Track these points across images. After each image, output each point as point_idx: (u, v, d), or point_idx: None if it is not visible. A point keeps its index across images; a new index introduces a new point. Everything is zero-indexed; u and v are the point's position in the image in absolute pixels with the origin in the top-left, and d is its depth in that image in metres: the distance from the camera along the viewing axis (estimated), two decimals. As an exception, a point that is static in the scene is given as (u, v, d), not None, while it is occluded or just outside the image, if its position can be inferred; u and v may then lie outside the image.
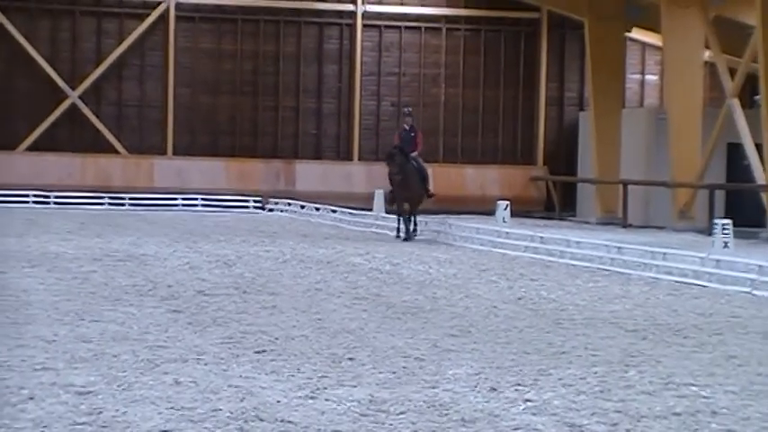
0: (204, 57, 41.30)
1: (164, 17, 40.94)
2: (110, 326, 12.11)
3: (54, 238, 24.40)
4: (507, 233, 25.45)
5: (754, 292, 16.90)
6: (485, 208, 35.20)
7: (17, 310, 13.07)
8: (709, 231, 26.46)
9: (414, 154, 26.67)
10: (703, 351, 11.53)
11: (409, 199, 26.43)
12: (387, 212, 29.56)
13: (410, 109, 29.61)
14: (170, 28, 40.96)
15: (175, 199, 38.29)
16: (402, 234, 26.55)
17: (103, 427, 7.59)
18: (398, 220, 26.99)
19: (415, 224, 26.79)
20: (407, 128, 27.25)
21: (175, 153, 40.93)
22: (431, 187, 27.77)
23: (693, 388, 9.50)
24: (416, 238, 26.47)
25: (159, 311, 13.41)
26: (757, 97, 32.31)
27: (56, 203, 37.25)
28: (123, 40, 40.70)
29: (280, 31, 41.75)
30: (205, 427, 7.65)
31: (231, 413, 8.07)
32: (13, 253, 20.51)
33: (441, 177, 41.14)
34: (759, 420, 8.33)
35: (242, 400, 8.51)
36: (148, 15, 40.81)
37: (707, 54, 35.05)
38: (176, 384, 9.05)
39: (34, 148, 39.82)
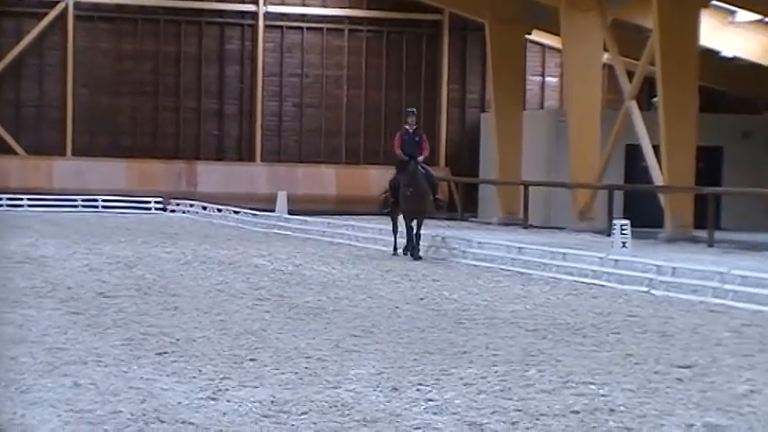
0: (104, 57, 40.93)
1: (62, 16, 40.50)
2: (8, 328, 11.98)
3: (-50, 239, 24.07)
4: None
5: (652, 291, 17.10)
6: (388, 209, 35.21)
7: None
8: (607, 232, 26.79)
9: (420, 158, 22.98)
10: (602, 350, 11.66)
11: (418, 213, 22.81)
12: (384, 213, 24.23)
13: (414, 109, 24.98)
14: (69, 27, 40.53)
15: (75, 200, 37.88)
16: (401, 250, 23.03)
17: (0, 430, 7.51)
18: (395, 233, 23.37)
19: (419, 237, 22.95)
20: (410, 130, 23.38)
21: (75, 154, 40.52)
22: (439, 195, 25.06)
23: (592, 386, 9.60)
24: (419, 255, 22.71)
25: (59, 313, 13.29)
26: (655, 99, 32.74)
27: (-48, 205, 36.69)
28: (21, 39, 40.20)
29: (180, 32, 41.51)
30: (105, 430, 7.60)
31: (132, 415, 8.02)
32: None
33: (344, 178, 41.34)
34: (655, 418, 8.46)
35: (143, 402, 8.46)
36: (47, 14, 40.36)
37: (605, 56, 35.43)
38: (76, 387, 8.98)
39: (-70, 148, 39.19)
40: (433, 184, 23.56)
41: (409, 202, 22.61)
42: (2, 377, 9.26)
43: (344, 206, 38.14)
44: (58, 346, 10.89)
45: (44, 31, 40.49)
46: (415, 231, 22.57)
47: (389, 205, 23.31)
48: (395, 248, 23.23)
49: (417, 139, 23.16)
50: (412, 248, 22.58)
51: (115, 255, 21.43)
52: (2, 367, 9.72)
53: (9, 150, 40.02)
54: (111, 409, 8.17)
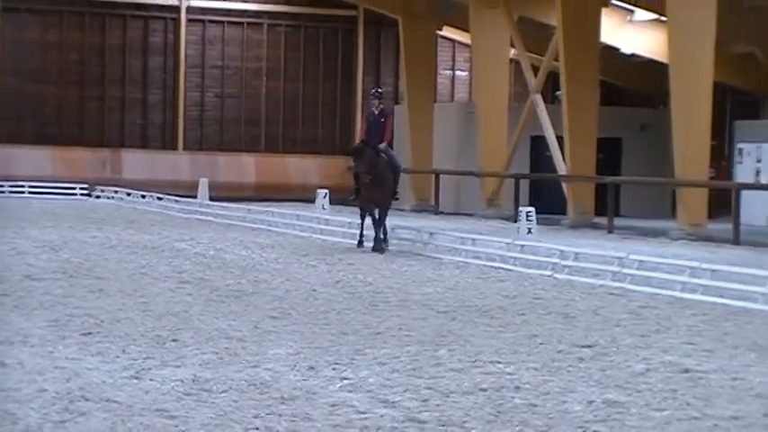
0: (31, 47, 40.40)
1: (-10, 8, 39.87)
2: (-64, 310, 11.81)
3: None
4: (327, 220, 25.51)
5: (556, 275, 17.23)
6: (306, 196, 35.22)
7: None
8: (514, 218, 26.95)
9: (382, 145, 20.65)
10: (508, 330, 11.73)
11: (380, 202, 20.69)
12: (357, 208, 21.79)
13: (380, 90, 22.44)
14: (-4, 18, 39.91)
15: (2, 186, 37.38)
16: (364, 241, 21.07)
17: (-70, 409, 7.40)
18: (362, 225, 21.27)
19: (385, 231, 21.02)
20: (376, 112, 21.05)
21: (2, 141, 39.95)
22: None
23: (499, 365, 9.66)
24: (388, 248, 20.83)
25: (-14, 296, 13.12)
26: (558, 93, 32.99)
27: None
28: (-51, 29, 39.53)
29: (105, 24, 41.10)
30: (31, 407, 7.51)
31: (57, 393, 7.94)
32: None
33: (263, 166, 41.23)
34: (558, 394, 8.52)
35: (68, 381, 8.38)
36: (-26, 6, 39.71)
37: (512, 52, 35.61)
38: (2, 366, 8.87)
39: None
40: (397, 173, 21.21)
41: (369, 191, 20.50)
42: (-70, 357, 9.13)
43: (264, 193, 38.05)
44: (-14, 328, 10.75)
45: (-28, 22, 39.84)
46: (377, 221, 20.65)
47: (354, 194, 21.13)
48: (360, 240, 21.12)
49: (383, 120, 20.90)
50: (374, 239, 20.59)
51: (42, 239, 21.19)
52: (-70, 348, 9.58)
53: (-63, 137, 39.36)
54: (37, 388, 8.09)
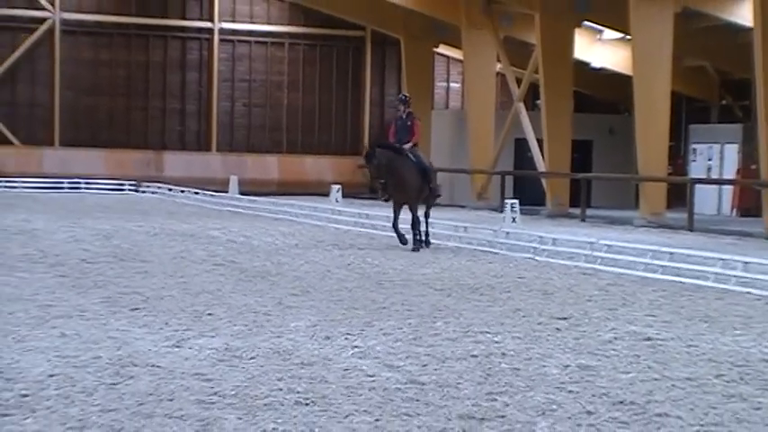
0: (85, 65, 40.42)
1: (51, 31, 39.92)
2: (5, 288, 11.81)
3: (-43, 216, 23.66)
4: (339, 211, 25.49)
5: (536, 258, 17.23)
6: (321, 190, 35.19)
7: (-75, 277, 12.67)
8: (500, 209, 26.92)
9: (408, 145, 18.51)
10: (495, 305, 11.73)
11: (406, 201, 18.48)
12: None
13: (406, 95, 20.08)
14: (56, 40, 39.96)
15: (62, 183, 37.38)
16: (407, 242, 18.38)
17: (0, 372, 7.40)
18: (394, 224, 18.61)
19: (427, 233, 18.77)
20: (403, 116, 19.03)
21: (61, 144, 40.01)
22: (436, 184, 19.60)
23: (488, 335, 9.66)
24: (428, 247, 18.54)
25: (48, 276, 13.12)
26: (538, 101, 32.94)
27: (-42, 187, 36.05)
28: (16, 49, 39.59)
29: (149, 44, 41.09)
30: (88, 372, 7.52)
31: (110, 360, 7.96)
32: None
33: (285, 165, 41.29)
34: (539, 360, 8.53)
35: (119, 349, 8.39)
36: (37, 29, 39.75)
37: (498, 66, 35.56)
38: (63, 336, 8.88)
39: (-61, 140, 38.56)
40: (426, 171, 18.74)
41: (392, 191, 18.43)
42: (1, 329, 9.13)
43: (285, 188, 38.07)
44: (48, 303, 10.76)
45: (35, 43, 39.86)
46: (412, 219, 18.54)
47: (380, 194, 18.79)
48: (400, 240, 18.51)
49: (410, 123, 18.81)
50: (413, 239, 18.43)
51: (95, 228, 21.20)
52: (1, 321, 9.58)
53: (6, 142, 39.45)
54: (92, 355, 8.10)
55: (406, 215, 18.45)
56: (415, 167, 18.45)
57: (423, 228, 18.63)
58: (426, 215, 18.88)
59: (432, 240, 18.80)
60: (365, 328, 9.80)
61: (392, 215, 18.54)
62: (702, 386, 7.72)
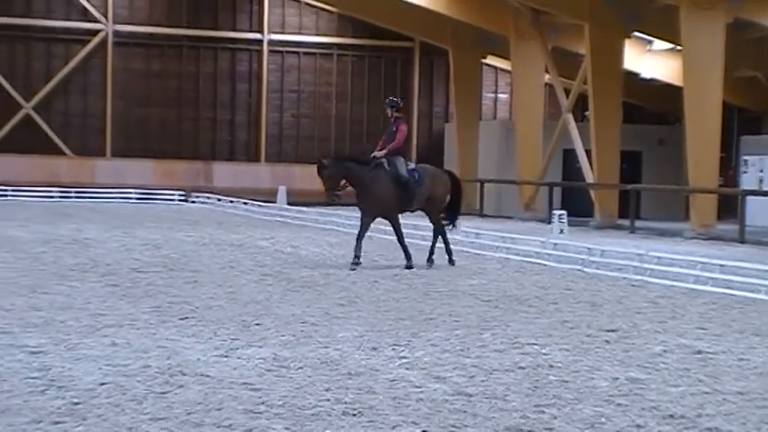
0: (137, 76, 40.81)
1: (103, 42, 40.37)
2: (58, 297, 11.92)
3: (11, 225, 23.91)
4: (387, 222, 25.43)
5: (584, 269, 17.11)
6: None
7: (-21, 285, 12.81)
8: (548, 220, 26.81)
9: (380, 153, 16.60)
10: (543, 317, 11.66)
11: (380, 213, 16.91)
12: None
13: (394, 99, 17.35)
14: (108, 51, 40.40)
15: (113, 193, 37.75)
16: (358, 264, 16.36)
17: (52, 380, 7.47)
18: (357, 241, 16.67)
19: (449, 251, 17.29)
20: (392, 121, 16.95)
21: (113, 155, 40.41)
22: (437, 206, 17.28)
23: (535, 347, 9.60)
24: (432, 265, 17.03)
25: (99, 285, 13.22)
26: (587, 112, 32.79)
27: (13, 197, 36.50)
28: (69, 60, 40.07)
29: (199, 56, 41.42)
30: (137, 380, 7.56)
31: (159, 369, 7.99)
32: (-25, 237, 20.10)
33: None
34: (587, 372, 8.46)
35: (168, 359, 8.42)
36: (90, 41, 40.20)
37: (547, 77, 35.45)
38: (113, 345, 8.93)
39: (-6, 150, 39.12)
40: (403, 184, 16.72)
41: (360, 204, 16.96)
42: (53, 337, 9.22)
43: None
44: (99, 312, 10.84)
45: (88, 55, 40.33)
46: (433, 230, 17.52)
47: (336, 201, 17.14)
48: (354, 255, 16.56)
49: (394, 129, 16.73)
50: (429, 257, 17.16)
51: (146, 237, 21.35)
52: (53, 329, 9.66)
53: (59, 152, 39.92)
54: (142, 364, 8.14)
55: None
56: (387, 177, 16.58)
57: (441, 245, 17.24)
58: (437, 232, 17.40)
59: (455, 259, 17.32)
60: (412, 339, 9.78)
61: (360, 232, 16.76)
62: (754, 400, 7.61)
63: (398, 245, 17.09)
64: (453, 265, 17.09)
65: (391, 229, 17.37)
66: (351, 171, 16.64)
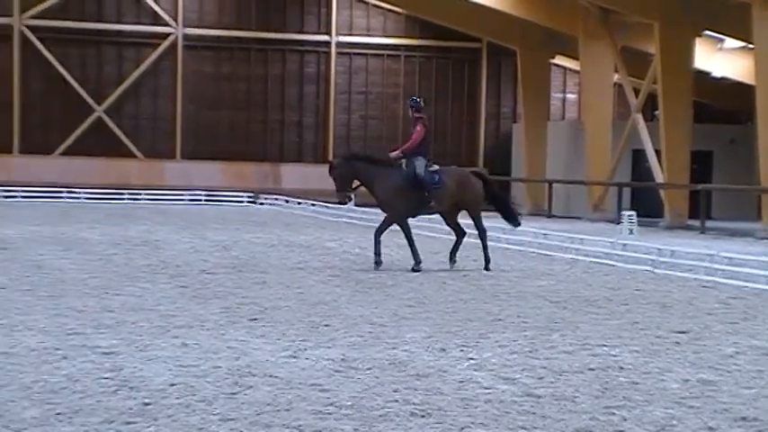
0: (206, 78, 41.18)
1: (173, 46, 40.79)
2: (129, 298, 12.06)
3: (83, 226, 24.25)
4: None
5: (654, 270, 16.95)
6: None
7: (53, 286, 13.00)
8: (617, 221, 26.59)
9: (394, 154, 16.61)
10: (613, 318, 11.56)
11: (395, 214, 16.50)
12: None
13: (415, 98, 17.14)
14: (178, 55, 40.80)
15: (182, 195, 38.12)
16: (380, 263, 16.14)
17: (124, 381, 7.56)
18: (375, 242, 16.36)
19: (487, 259, 16.61)
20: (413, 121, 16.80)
21: (182, 157, 40.81)
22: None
23: (605, 348, 9.52)
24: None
25: (169, 287, 13.35)
26: (656, 112, 32.47)
27: (84, 198, 37.02)
28: (140, 64, 40.54)
29: (268, 58, 41.68)
30: (207, 381, 7.62)
31: (228, 370, 8.05)
32: (49, 239, 20.39)
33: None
34: (657, 374, 8.37)
35: (237, 359, 8.48)
36: (160, 44, 40.64)
37: (616, 77, 35.17)
38: (183, 346, 9.01)
39: (66, 153, 39.68)
40: (419, 182, 16.34)
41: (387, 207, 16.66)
42: (125, 338, 9.32)
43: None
44: (169, 313, 10.94)
45: (158, 58, 40.77)
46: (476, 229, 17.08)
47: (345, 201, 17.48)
48: (374, 253, 16.37)
49: (414, 130, 16.61)
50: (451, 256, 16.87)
51: (215, 239, 21.53)
52: (125, 330, 9.78)
53: (130, 154, 40.40)
54: (211, 365, 8.20)
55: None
56: (398, 177, 16.23)
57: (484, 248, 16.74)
58: (480, 236, 16.85)
59: (491, 267, 16.53)
60: (481, 340, 9.75)
61: (380, 225, 16.58)
62: (828, 403, 7.48)
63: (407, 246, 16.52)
64: (489, 270, 16.33)
65: (457, 229, 17.17)
66: (359, 170, 16.40)
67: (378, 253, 16.23)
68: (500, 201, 17.67)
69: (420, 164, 16.44)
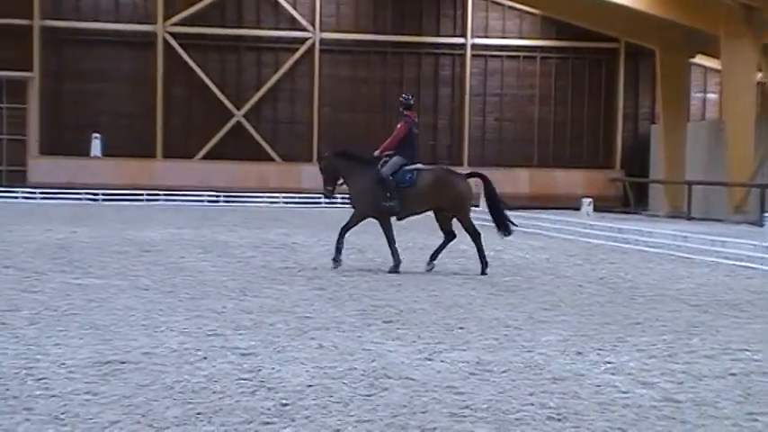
0: (343, 82, 41.57)
1: (310, 50, 41.28)
2: (267, 300, 12.23)
3: (222, 229, 24.72)
4: (591, 225, 25.17)
5: (799, 273, 16.50)
6: (571, 204, 34.87)
7: (194, 288, 13.28)
8: (760, 223, 25.89)
9: (377, 152, 16.35)
10: (755, 322, 11.28)
11: (370, 213, 16.49)
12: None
13: (406, 96, 16.78)
14: (315, 59, 41.27)
15: (319, 198, 38.51)
16: (338, 263, 16.20)
17: (262, 382, 7.67)
18: (338, 239, 16.50)
19: (483, 260, 16.05)
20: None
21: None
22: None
23: (747, 353, 9.30)
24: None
25: (306, 289, 13.51)
26: (801, 111, 31.57)
27: (224, 202, 37.75)
28: (278, 69, 41.15)
29: (403, 61, 41.85)
30: (343, 383, 7.68)
31: (364, 372, 8.10)
32: (189, 241, 20.83)
33: (535, 179, 41.18)
34: (803, 381, 8.13)
35: (373, 361, 8.53)
36: (298, 49, 41.18)
37: (759, 76, 34.29)
38: (320, 348, 9.10)
39: (207, 157, 40.51)
40: (381, 182, 16.11)
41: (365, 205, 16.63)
42: (263, 339, 9.46)
43: (535, 202, 37.95)
44: (306, 315, 11.07)
45: (296, 63, 41.31)
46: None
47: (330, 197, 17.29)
48: (335, 251, 16.51)
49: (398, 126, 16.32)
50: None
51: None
52: (263, 331, 9.93)
53: (268, 158, 41.01)
54: (348, 367, 8.26)
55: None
56: (370, 176, 16.09)
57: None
58: (473, 239, 16.40)
59: (487, 270, 16.01)
60: (618, 344, 9.62)
61: (348, 222, 16.40)
62: None
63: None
64: (485, 275, 15.72)
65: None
66: (340, 167, 16.35)
67: (338, 250, 16.16)
68: (494, 206, 16.88)
69: (394, 162, 16.06)
